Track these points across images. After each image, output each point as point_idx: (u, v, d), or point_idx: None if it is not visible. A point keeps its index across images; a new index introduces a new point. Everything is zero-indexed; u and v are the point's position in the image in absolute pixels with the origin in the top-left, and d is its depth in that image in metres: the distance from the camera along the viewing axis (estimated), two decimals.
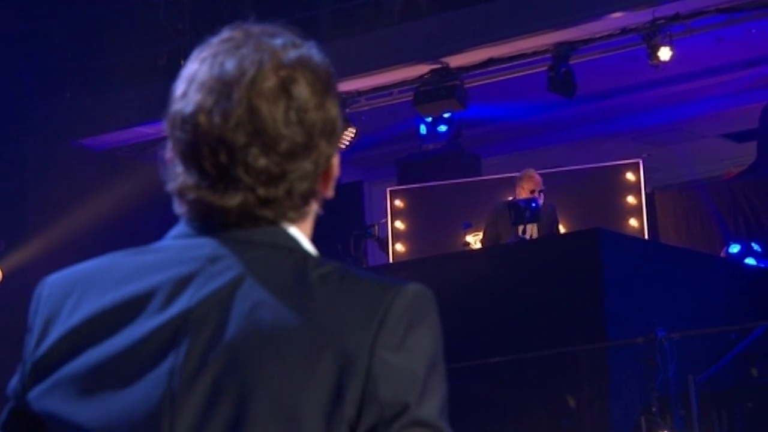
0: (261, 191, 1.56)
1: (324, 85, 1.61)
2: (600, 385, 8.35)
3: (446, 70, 10.86)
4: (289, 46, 1.62)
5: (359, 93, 11.28)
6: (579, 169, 11.47)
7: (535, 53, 10.63)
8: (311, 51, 1.63)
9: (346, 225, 12.21)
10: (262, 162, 1.55)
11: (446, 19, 10.67)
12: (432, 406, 1.53)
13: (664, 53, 10.07)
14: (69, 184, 11.66)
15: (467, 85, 10.92)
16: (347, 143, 11.34)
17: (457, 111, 11.44)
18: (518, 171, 11.18)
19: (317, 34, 11.79)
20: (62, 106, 11.84)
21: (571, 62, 10.52)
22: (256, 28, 1.64)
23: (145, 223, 11.74)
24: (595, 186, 11.31)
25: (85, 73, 11.97)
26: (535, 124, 12.50)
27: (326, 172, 1.62)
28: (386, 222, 11.94)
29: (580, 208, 11.15)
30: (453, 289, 9.00)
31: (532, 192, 9.71)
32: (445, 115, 12.00)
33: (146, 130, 11.87)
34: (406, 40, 10.81)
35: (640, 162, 11.51)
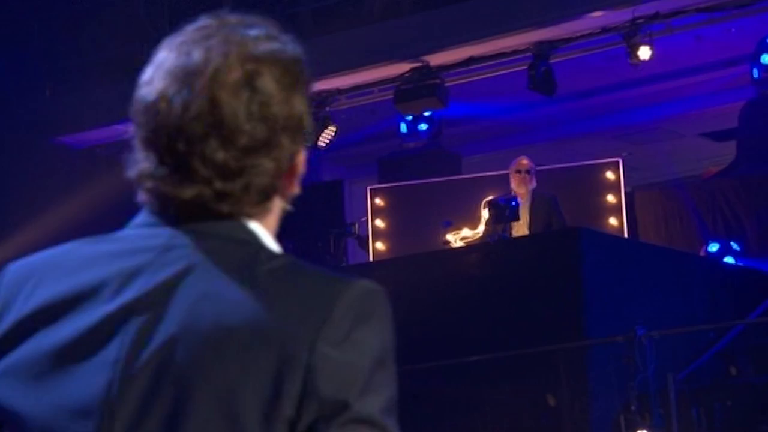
0: (218, 185, 1.54)
1: (292, 81, 1.57)
2: (579, 384, 8.36)
3: (427, 68, 10.87)
4: (263, 38, 1.58)
5: (339, 91, 11.28)
6: (559, 167, 11.48)
7: (515, 52, 10.65)
8: (286, 45, 1.59)
9: (326, 223, 12.20)
10: (220, 155, 1.53)
11: (427, 17, 10.67)
12: (375, 403, 1.48)
13: (644, 52, 10.10)
14: (48, 182, 11.62)
15: (448, 84, 10.93)
16: (328, 141, 11.34)
17: (437, 109, 11.45)
18: (499, 169, 11.21)
19: (298, 31, 11.78)
20: (42, 104, 11.79)
21: (552, 61, 10.54)
22: (233, 18, 1.60)
23: (125, 220, 11.70)
24: (575, 185, 11.33)
25: (64, 71, 11.92)
26: (516, 122, 12.51)
27: (290, 169, 1.59)
28: (366, 220, 11.94)
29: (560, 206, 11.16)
30: (433, 287, 9.00)
31: (518, 173, 9.83)
32: (426, 114, 12.00)
33: (126, 128, 11.80)
34: (387, 39, 10.80)
35: (620, 161, 11.54)
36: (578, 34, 10.42)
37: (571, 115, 12.49)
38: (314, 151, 11.89)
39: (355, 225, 12.03)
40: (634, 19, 10.08)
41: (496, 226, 9.83)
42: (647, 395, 8.01)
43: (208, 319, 1.49)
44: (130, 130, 1.63)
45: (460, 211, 10.78)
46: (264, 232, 1.60)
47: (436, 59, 10.79)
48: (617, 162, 11.52)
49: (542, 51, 10.48)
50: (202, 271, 1.53)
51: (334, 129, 11.29)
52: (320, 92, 11.23)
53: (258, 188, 1.56)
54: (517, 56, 10.67)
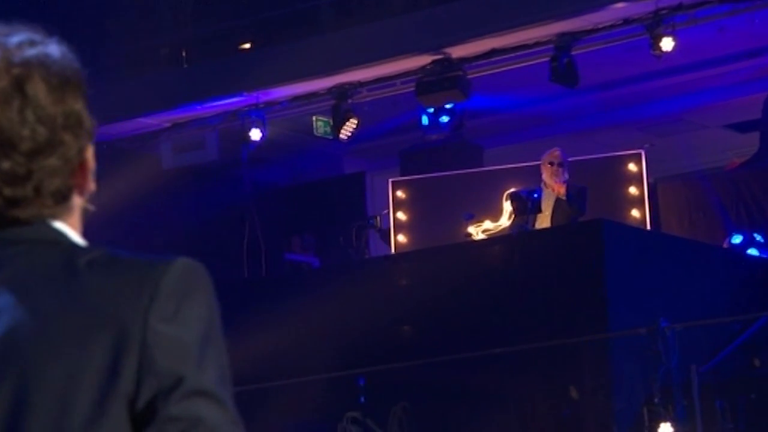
0: (7, 192, 1.57)
1: (63, 81, 1.61)
2: (602, 376, 8.35)
3: (448, 60, 10.85)
4: (26, 44, 1.61)
5: (361, 84, 11.27)
6: (581, 159, 11.45)
7: (537, 44, 10.62)
8: (50, 48, 1.63)
9: (347, 216, 12.20)
10: (5, 165, 1.57)
11: (449, 9, 10.65)
12: (210, 375, 1.54)
13: (667, 43, 10.05)
14: None
15: (469, 76, 10.91)
16: (349, 134, 11.34)
17: (459, 102, 11.42)
18: (520, 162, 11.20)
19: (319, 25, 11.79)
20: None
21: (574, 53, 10.50)
22: None
23: (147, 213, 11.75)
24: (597, 177, 11.29)
25: (87, 64, 11.95)
26: (538, 114, 12.48)
27: (81, 166, 1.62)
28: (388, 213, 11.93)
29: None
30: (455, 279, 8.99)
31: (551, 164, 9.85)
32: (448, 106, 11.97)
33: (149, 121, 11.87)
34: (409, 31, 10.79)
35: (642, 153, 11.50)
36: (601, 26, 10.37)
37: (593, 106, 12.45)
38: (336, 143, 11.89)
39: (376, 218, 12.02)
40: (657, 10, 10.03)
41: (518, 218, 9.82)
42: (670, 387, 7.98)
43: (37, 316, 1.54)
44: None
45: (482, 204, 10.76)
46: (70, 230, 1.63)
47: (458, 51, 10.77)
48: (640, 154, 11.48)
49: (564, 42, 10.45)
50: (18, 274, 1.56)
51: (355, 122, 11.28)
52: (342, 85, 11.23)
53: (50, 189, 1.59)
54: (539, 48, 10.63)
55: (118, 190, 11.22)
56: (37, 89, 1.58)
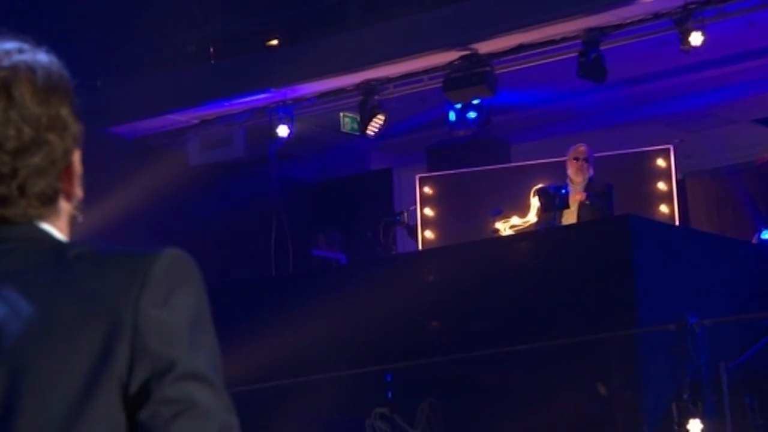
0: None
1: (48, 84, 1.66)
2: (631, 373, 8.32)
3: (476, 56, 10.83)
4: (14, 51, 1.68)
5: (388, 80, 11.27)
6: (609, 155, 11.41)
7: (565, 39, 10.58)
8: (38, 56, 1.69)
9: (375, 212, 12.20)
10: None
11: (476, 5, 10.64)
12: (202, 360, 1.57)
13: (696, 38, 10.00)
14: (100, 172, 11.70)
15: (497, 72, 10.89)
16: (376, 130, 11.34)
17: (486, 97, 11.40)
18: (548, 157, 11.16)
19: (347, 21, 11.79)
20: (94, 94, 11.89)
21: (602, 48, 10.46)
22: None
23: (175, 210, 11.79)
24: (626, 172, 11.25)
25: (115, 61, 12.01)
26: (565, 110, 12.44)
27: (67, 169, 1.68)
28: (415, 209, 11.92)
29: None
30: (483, 276, 8.98)
31: (576, 160, 9.82)
32: (475, 102, 11.96)
33: (177, 118, 11.91)
34: (436, 27, 10.78)
35: (671, 148, 11.44)
36: (629, 21, 10.33)
37: (621, 102, 12.40)
38: (363, 140, 11.90)
39: (404, 214, 12.02)
40: (685, 5, 9.98)
41: (545, 213, 9.79)
42: (699, 384, 7.95)
43: (32, 308, 1.57)
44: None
45: (510, 200, 10.74)
46: (56, 231, 1.68)
47: (485, 47, 10.75)
48: (668, 149, 11.42)
49: (592, 38, 10.41)
50: (8, 271, 1.60)
51: (382, 118, 11.28)
52: (369, 81, 11.23)
53: (35, 190, 1.64)
54: (567, 43, 10.60)
55: (146, 187, 11.26)
56: (23, 91, 1.64)
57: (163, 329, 1.56)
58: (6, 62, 1.65)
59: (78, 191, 1.71)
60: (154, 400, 1.54)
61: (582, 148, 10.03)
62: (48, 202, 1.66)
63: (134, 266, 1.59)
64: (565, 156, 10.24)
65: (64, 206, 1.69)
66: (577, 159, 9.94)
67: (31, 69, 1.66)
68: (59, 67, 1.69)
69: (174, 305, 1.58)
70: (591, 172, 9.94)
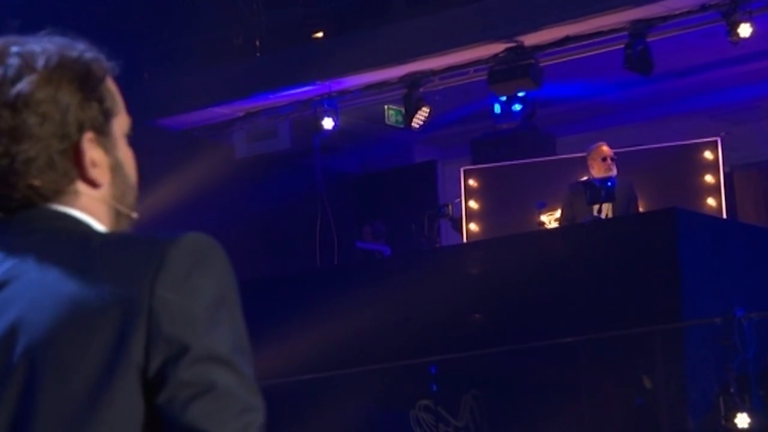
0: None
1: (60, 76, 1.67)
2: (676, 366, 8.28)
3: (521, 48, 10.80)
4: (30, 42, 1.70)
5: (433, 72, 11.25)
6: (656, 147, 11.33)
7: (611, 31, 10.52)
8: (53, 44, 1.69)
9: (419, 204, 12.20)
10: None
11: None
12: (221, 341, 1.56)
13: (744, 30, 9.90)
14: (145, 165, 11.74)
15: (542, 64, 10.84)
16: (421, 122, 11.33)
17: (531, 90, 11.36)
18: None
19: (392, 13, 11.79)
20: (139, 87, 11.98)
21: (649, 39, 10.39)
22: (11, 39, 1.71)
23: (220, 203, 11.85)
24: (673, 165, 11.18)
25: (162, 54, 12.08)
26: (611, 102, 12.37)
27: (76, 153, 1.67)
28: (460, 201, 11.91)
29: (657, 187, 11.03)
30: (528, 268, 8.96)
31: (604, 160, 9.76)
32: (520, 94, 11.92)
33: (222, 110, 11.96)
34: (481, 19, 10.75)
35: (719, 140, 11.35)
36: (676, 12, 10.25)
37: (668, 94, 12.31)
38: (407, 132, 11.90)
39: (448, 206, 12.01)
40: None
41: (589, 207, 9.74)
42: (746, 377, 7.89)
43: (48, 298, 1.58)
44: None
45: (554, 192, 10.70)
46: (88, 217, 1.68)
47: (530, 39, 10.71)
48: (715, 142, 11.33)
49: (639, 29, 10.34)
50: (31, 260, 1.62)
51: (427, 110, 11.27)
52: (414, 73, 11.22)
53: (37, 173, 1.64)
54: (614, 35, 10.53)
55: (192, 179, 11.33)
56: (30, 80, 1.65)
57: (178, 312, 1.55)
58: (16, 47, 1.68)
59: (102, 177, 1.70)
60: (172, 384, 1.54)
61: (605, 147, 9.92)
62: (55, 186, 1.66)
63: (152, 250, 1.59)
64: (611, 148, 10.16)
65: (88, 191, 1.69)
66: (605, 159, 9.82)
67: (35, 57, 1.67)
68: (79, 58, 1.70)
69: (191, 288, 1.57)
70: (615, 170, 9.85)
